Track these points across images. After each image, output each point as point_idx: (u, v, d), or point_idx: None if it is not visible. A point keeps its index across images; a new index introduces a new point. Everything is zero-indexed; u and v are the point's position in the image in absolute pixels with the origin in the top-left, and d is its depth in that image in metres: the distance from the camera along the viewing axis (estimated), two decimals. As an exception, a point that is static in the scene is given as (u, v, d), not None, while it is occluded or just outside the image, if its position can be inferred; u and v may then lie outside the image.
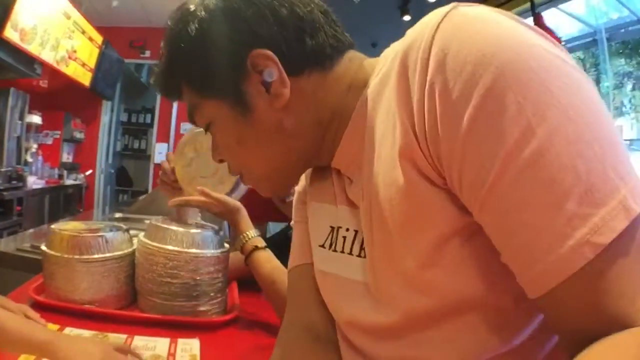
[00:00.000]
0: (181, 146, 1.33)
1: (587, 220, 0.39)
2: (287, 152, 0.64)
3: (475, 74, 0.43)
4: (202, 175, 1.32)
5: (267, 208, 1.48)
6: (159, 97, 7.30)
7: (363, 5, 6.62)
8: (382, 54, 0.61)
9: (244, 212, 1.29)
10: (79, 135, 6.46)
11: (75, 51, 5.08)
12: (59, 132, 6.06)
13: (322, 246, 0.69)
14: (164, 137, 7.21)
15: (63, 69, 4.90)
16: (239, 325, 1.21)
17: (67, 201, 5.78)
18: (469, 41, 0.44)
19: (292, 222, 1.35)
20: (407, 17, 6.52)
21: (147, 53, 7.16)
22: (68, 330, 0.91)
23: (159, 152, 7.16)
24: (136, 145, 7.79)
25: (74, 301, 1.09)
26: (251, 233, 1.25)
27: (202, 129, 0.68)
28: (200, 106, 0.64)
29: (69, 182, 5.95)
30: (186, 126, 7.21)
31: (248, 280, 1.59)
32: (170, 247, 1.13)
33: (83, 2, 5.40)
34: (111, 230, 1.18)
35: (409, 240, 0.52)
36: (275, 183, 0.68)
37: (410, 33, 0.51)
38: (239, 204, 1.30)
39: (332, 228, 0.67)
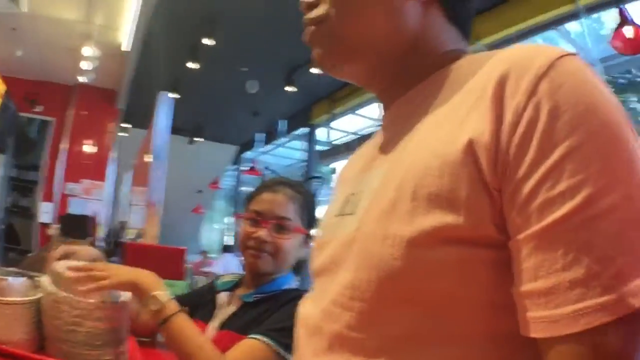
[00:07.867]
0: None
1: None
2: (377, 27, 0.60)
3: (587, 113, 0.44)
4: None
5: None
6: (47, 154, 6.91)
7: (250, 74, 6.75)
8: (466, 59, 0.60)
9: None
10: (-27, 188, 5.86)
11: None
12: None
13: (337, 216, 0.64)
14: (49, 196, 6.79)
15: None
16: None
17: (-40, 257, 5.13)
18: (585, 86, 0.45)
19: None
20: (291, 88, 6.68)
21: (40, 108, 6.78)
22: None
23: (45, 211, 6.69)
24: (22, 203, 7.23)
25: (-8, 340, 1.06)
26: (166, 294, 1.11)
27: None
28: None
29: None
30: (70, 186, 6.84)
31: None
32: (74, 296, 1.13)
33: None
34: (15, 276, 1.17)
35: (420, 213, 0.48)
36: (339, 48, 0.62)
37: (514, 51, 0.51)
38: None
39: (347, 196, 0.63)
